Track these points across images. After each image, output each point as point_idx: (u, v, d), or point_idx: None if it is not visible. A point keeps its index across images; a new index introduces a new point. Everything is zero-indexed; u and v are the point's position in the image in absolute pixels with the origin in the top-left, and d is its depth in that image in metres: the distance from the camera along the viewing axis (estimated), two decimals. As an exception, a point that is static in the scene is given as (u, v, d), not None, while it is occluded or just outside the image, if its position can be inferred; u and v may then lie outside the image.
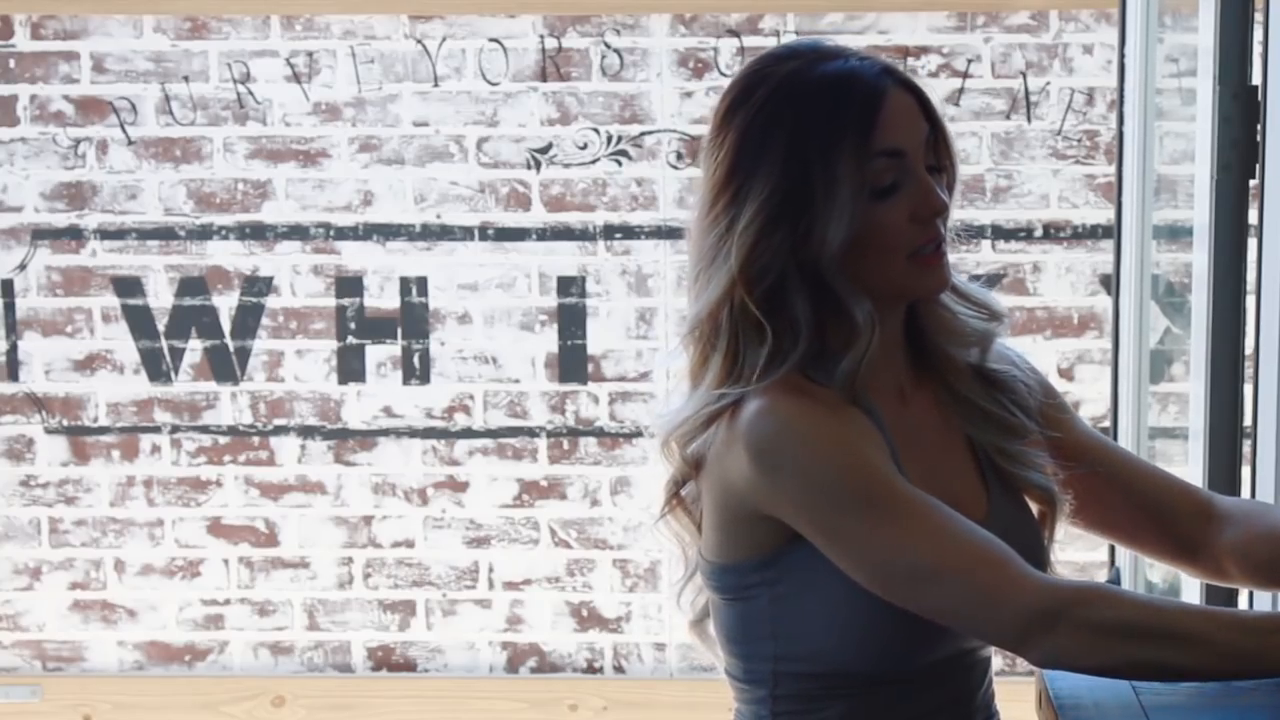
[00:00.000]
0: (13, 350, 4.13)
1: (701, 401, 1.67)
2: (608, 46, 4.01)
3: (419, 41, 4.03)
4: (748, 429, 1.62)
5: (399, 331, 4.10)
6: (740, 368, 1.66)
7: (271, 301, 4.11)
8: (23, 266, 4.11)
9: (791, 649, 1.67)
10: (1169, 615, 1.57)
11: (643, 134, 4.02)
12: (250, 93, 4.06)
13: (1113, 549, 2.94)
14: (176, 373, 4.13)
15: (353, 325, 4.10)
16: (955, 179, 1.72)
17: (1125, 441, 2.87)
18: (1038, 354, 3.99)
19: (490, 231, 4.07)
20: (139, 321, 4.11)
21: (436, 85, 4.04)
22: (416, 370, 4.10)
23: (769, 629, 1.68)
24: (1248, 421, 2.28)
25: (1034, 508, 1.77)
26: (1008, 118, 3.98)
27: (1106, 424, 3.31)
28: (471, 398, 4.10)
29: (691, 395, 1.69)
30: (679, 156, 4.02)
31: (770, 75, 1.67)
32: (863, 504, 1.59)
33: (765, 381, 1.64)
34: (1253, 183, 2.25)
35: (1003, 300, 1.83)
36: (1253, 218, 2.25)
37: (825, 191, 1.63)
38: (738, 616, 1.70)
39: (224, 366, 4.12)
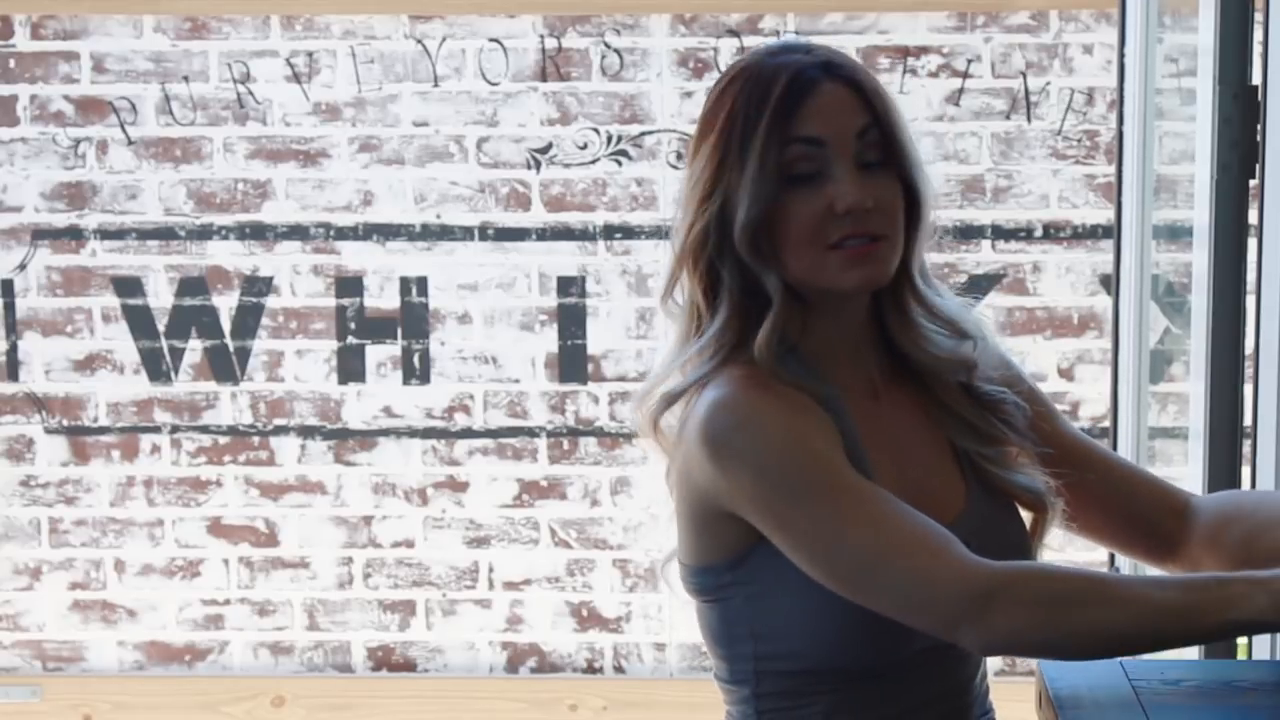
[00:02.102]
0: (13, 350, 4.13)
1: (663, 371, 1.73)
2: (608, 46, 4.01)
3: (419, 41, 4.03)
4: (704, 423, 1.64)
5: (399, 331, 4.10)
6: (696, 335, 1.72)
7: (271, 301, 4.11)
8: (23, 266, 4.11)
9: (771, 648, 1.67)
10: (1104, 579, 1.57)
11: (643, 134, 4.03)
12: (250, 93, 4.06)
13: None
14: (176, 373, 4.13)
15: (353, 325, 4.10)
16: (913, 175, 1.70)
17: (1125, 442, 2.87)
18: (1037, 354, 3.99)
19: (490, 231, 4.07)
20: (139, 321, 4.11)
21: (436, 85, 4.04)
22: (416, 370, 4.11)
23: (747, 629, 1.69)
24: (1248, 421, 2.28)
25: (1026, 514, 1.77)
26: (1008, 118, 3.98)
27: (1106, 424, 3.31)
28: (471, 398, 4.10)
29: (673, 366, 1.74)
30: (679, 156, 4.02)
31: (736, 65, 1.73)
32: (811, 494, 1.60)
33: (713, 359, 1.68)
34: (1253, 183, 2.25)
35: (995, 306, 1.84)
36: (1253, 218, 2.25)
37: (740, 170, 1.67)
38: (717, 618, 1.72)
39: (224, 366, 4.12)
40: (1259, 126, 2.19)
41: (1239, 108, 2.23)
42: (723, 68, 3.96)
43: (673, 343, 1.75)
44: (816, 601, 1.63)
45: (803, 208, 1.66)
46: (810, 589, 1.62)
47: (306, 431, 4.13)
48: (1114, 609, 1.52)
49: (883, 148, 1.67)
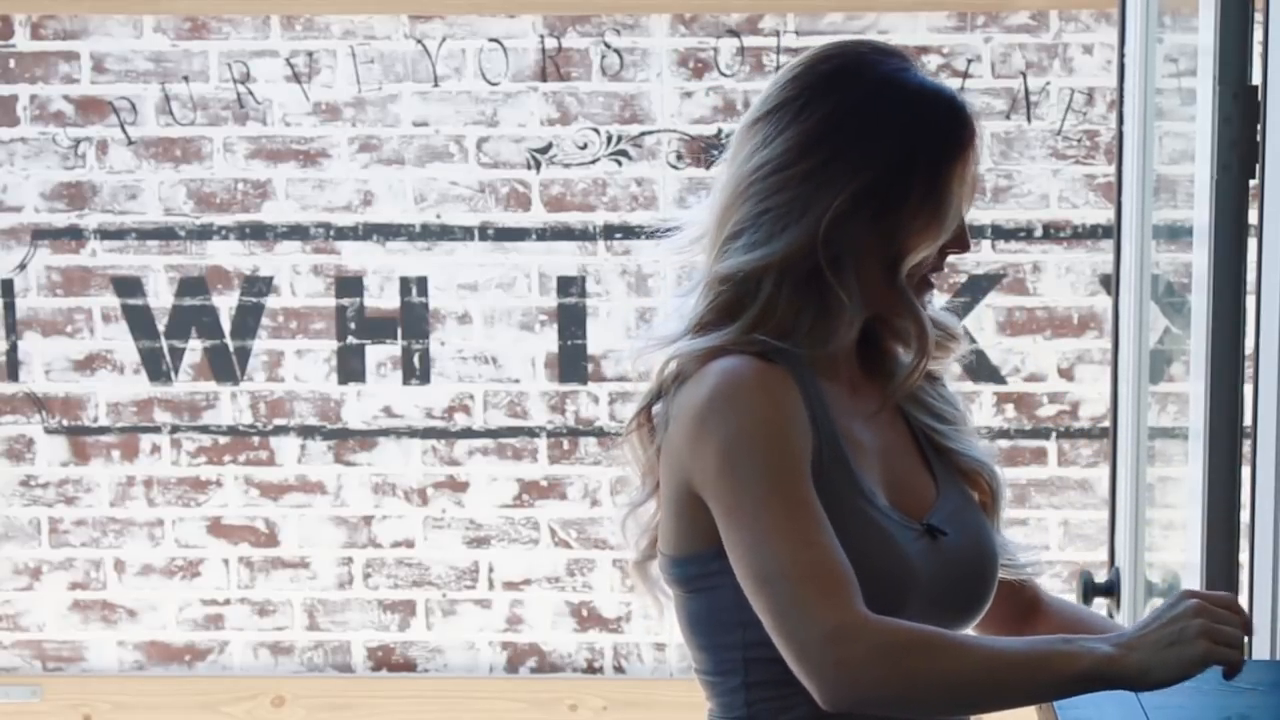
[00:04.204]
0: (13, 350, 4.13)
1: (723, 339, 1.71)
2: (608, 46, 4.01)
3: (419, 41, 4.03)
4: (710, 391, 1.66)
5: (399, 331, 4.10)
6: (771, 324, 1.70)
7: (271, 301, 4.11)
8: (23, 266, 4.11)
9: (760, 634, 1.67)
10: (952, 633, 1.62)
11: (643, 134, 4.02)
12: (250, 93, 4.06)
13: (1112, 549, 2.94)
14: (176, 373, 4.13)
15: (353, 325, 4.10)
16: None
17: (1125, 442, 2.87)
18: (1037, 354, 3.99)
19: (490, 231, 4.07)
20: (139, 321, 4.11)
21: (436, 85, 4.04)
22: (416, 370, 4.11)
23: (735, 616, 1.69)
24: (1248, 421, 2.28)
25: (977, 495, 1.83)
26: (1008, 118, 3.98)
27: (1106, 424, 3.31)
28: (471, 398, 4.10)
29: (707, 334, 1.72)
30: (679, 156, 4.02)
31: (878, 65, 1.72)
32: (761, 491, 1.62)
33: (750, 338, 1.69)
34: (1253, 183, 2.25)
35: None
36: (1253, 218, 2.25)
37: (921, 201, 1.68)
38: (703, 608, 1.72)
39: (224, 366, 4.12)
40: (1259, 126, 2.19)
41: (1239, 108, 2.23)
42: (723, 68, 3.96)
43: (711, 312, 1.74)
44: None
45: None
46: None
47: (306, 431, 4.13)
48: (960, 658, 1.56)
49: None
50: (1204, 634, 1.51)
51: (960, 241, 1.73)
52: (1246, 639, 1.57)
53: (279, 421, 4.13)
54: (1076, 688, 1.55)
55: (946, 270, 1.80)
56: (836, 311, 1.70)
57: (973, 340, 3.94)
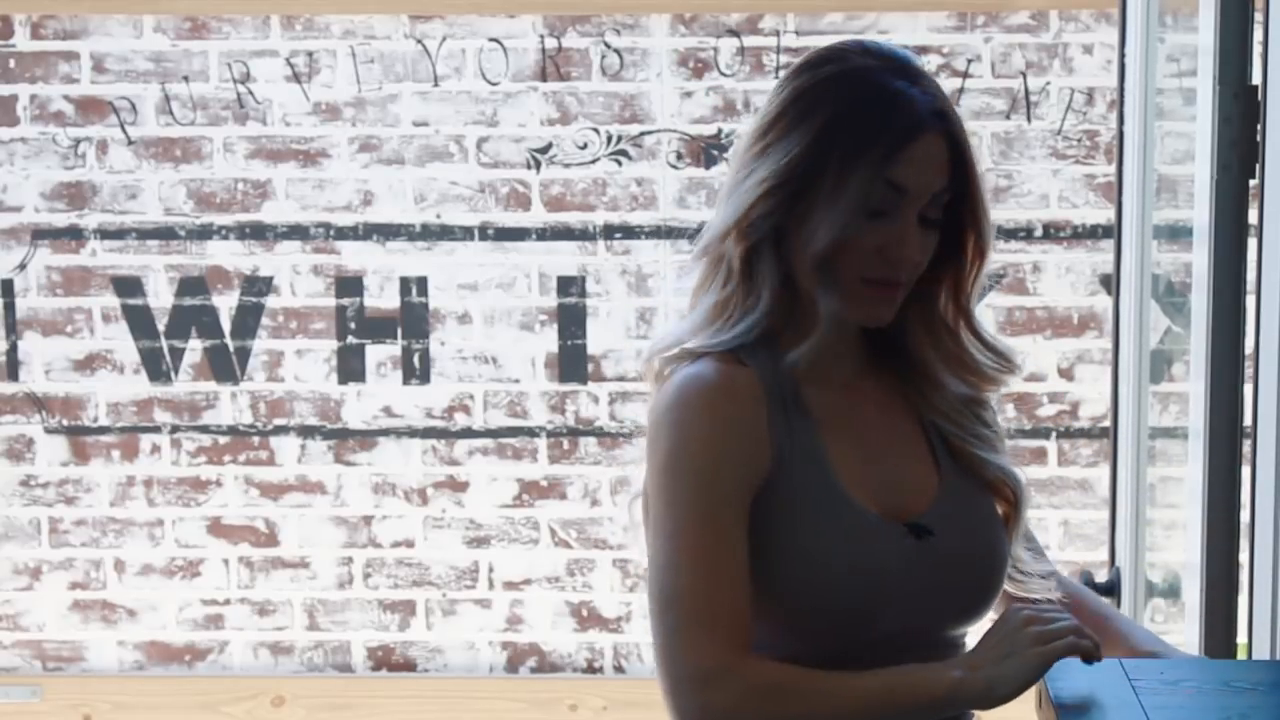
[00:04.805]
0: (13, 350, 4.13)
1: (687, 333, 1.73)
2: (608, 46, 4.01)
3: (419, 41, 4.03)
4: (661, 403, 1.68)
5: (399, 331, 4.10)
6: (729, 309, 1.72)
7: (271, 301, 4.11)
8: (23, 266, 4.11)
9: (752, 633, 1.68)
10: (814, 672, 1.62)
11: (643, 134, 4.02)
12: (250, 93, 4.06)
13: (1112, 549, 2.94)
14: (176, 373, 4.13)
15: (353, 325, 4.10)
16: (982, 226, 1.83)
17: (1125, 442, 2.87)
18: (1037, 354, 3.99)
19: (490, 231, 4.07)
20: (139, 321, 4.11)
21: (436, 85, 4.04)
22: (416, 370, 4.11)
23: None
24: (1248, 421, 2.28)
25: (1000, 507, 1.81)
26: (1008, 118, 3.98)
27: (1106, 424, 3.31)
28: (471, 398, 4.10)
29: (686, 318, 1.76)
30: (679, 156, 4.02)
31: (846, 59, 1.73)
32: (684, 512, 1.63)
33: (733, 338, 1.70)
34: (1253, 183, 2.25)
35: (995, 306, 1.87)
36: (1253, 218, 2.25)
37: (831, 191, 1.67)
38: None
39: (224, 366, 4.12)
40: (1259, 126, 2.19)
41: (1239, 108, 2.23)
42: (723, 68, 3.96)
43: (701, 280, 1.76)
44: (776, 590, 1.65)
45: (857, 239, 1.69)
46: (770, 579, 1.65)
47: (306, 431, 4.13)
48: (823, 698, 1.60)
49: (946, 208, 1.75)
50: (1035, 640, 1.58)
51: (895, 247, 1.70)
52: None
53: (279, 421, 4.13)
54: (936, 710, 1.61)
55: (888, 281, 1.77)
56: (771, 300, 1.72)
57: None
